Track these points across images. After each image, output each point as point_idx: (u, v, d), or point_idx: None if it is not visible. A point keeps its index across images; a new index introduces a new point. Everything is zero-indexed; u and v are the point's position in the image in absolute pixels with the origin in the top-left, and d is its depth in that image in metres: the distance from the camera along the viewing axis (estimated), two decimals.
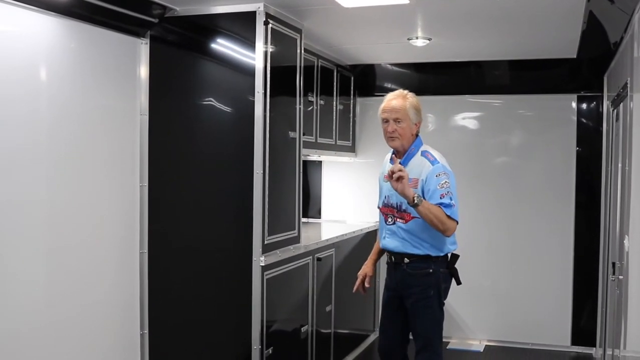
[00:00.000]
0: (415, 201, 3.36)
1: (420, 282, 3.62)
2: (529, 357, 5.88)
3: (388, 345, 3.84)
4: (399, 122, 3.55)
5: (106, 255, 3.66)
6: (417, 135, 3.66)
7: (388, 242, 3.68)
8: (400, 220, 3.60)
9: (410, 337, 3.81)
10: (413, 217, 3.54)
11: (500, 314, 6.19)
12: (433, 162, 3.54)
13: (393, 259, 3.68)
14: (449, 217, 3.44)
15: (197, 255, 3.97)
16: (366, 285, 3.88)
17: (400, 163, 3.50)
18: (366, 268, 3.90)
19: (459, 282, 3.77)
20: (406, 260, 3.61)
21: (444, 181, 3.47)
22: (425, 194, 3.48)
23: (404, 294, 3.68)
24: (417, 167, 3.54)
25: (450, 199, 3.46)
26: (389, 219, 3.65)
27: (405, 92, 3.67)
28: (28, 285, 3.07)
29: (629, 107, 3.63)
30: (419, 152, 3.60)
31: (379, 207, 3.79)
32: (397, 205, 3.61)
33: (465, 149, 6.27)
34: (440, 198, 3.44)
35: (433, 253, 3.60)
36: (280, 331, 4.17)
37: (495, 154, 6.22)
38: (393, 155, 3.68)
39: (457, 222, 3.51)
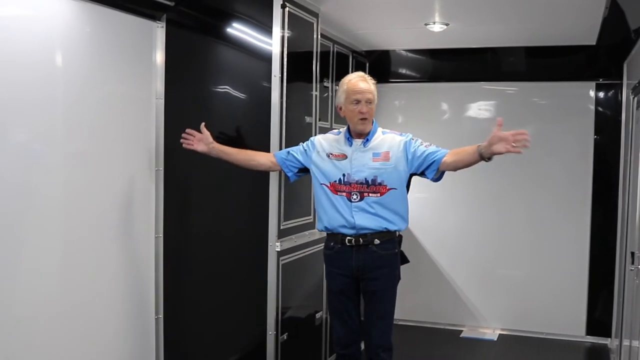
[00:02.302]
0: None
1: (389, 262, 3.66)
2: (543, 346, 5.85)
3: (349, 335, 3.76)
4: (369, 103, 3.63)
5: (121, 239, 3.64)
6: None
7: (359, 219, 3.60)
8: (374, 195, 3.60)
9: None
10: (390, 189, 3.59)
11: (515, 303, 6.16)
12: (401, 134, 3.71)
13: (361, 240, 3.61)
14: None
15: (213, 240, 3.95)
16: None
17: (365, 140, 3.65)
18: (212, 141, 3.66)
19: (407, 261, 3.80)
20: (376, 241, 3.61)
21: (420, 141, 3.66)
22: (410, 156, 3.61)
23: (368, 276, 3.64)
24: (385, 143, 3.66)
25: (435, 146, 3.64)
26: (354, 196, 3.61)
27: (363, 73, 3.73)
28: (42, 269, 3.06)
29: None
30: (379, 131, 3.72)
31: (324, 184, 3.69)
32: (367, 180, 3.60)
33: (480, 137, 6.15)
34: (426, 147, 3.61)
35: (403, 226, 3.69)
36: (295, 317, 4.16)
37: None
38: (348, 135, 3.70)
39: None
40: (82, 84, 3.26)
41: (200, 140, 3.64)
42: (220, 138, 3.92)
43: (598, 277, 5.87)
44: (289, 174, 3.80)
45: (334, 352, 3.87)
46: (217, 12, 3.93)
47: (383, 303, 3.68)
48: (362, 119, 3.61)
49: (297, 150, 3.78)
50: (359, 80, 3.64)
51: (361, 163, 3.62)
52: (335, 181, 3.65)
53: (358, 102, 3.60)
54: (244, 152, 3.78)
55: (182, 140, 3.64)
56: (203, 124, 3.61)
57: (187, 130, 3.62)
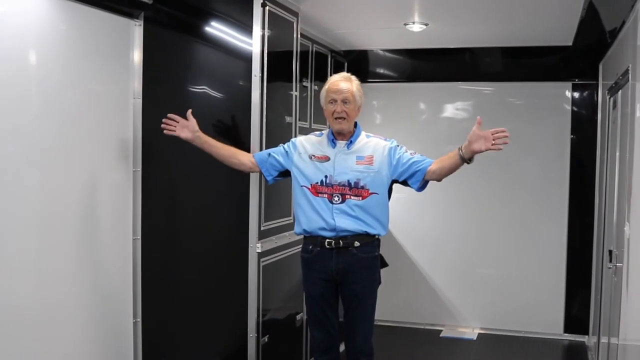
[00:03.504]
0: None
1: (369, 265, 3.64)
2: (522, 345, 5.89)
3: (328, 340, 3.72)
4: (346, 103, 3.59)
5: (98, 241, 3.58)
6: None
7: (340, 221, 3.57)
8: (356, 198, 3.57)
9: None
10: (371, 193, 3.57)
11: (493, 302, 6.19)
12: (386, 139, 3.70)
13: (341, 243, 3.58)
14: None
15: (192, 242, 3.90)
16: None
17: (349, 142, 3.62)
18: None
19: (386, 264, 3.78)
20: (357, 243, 3.58)
21: (404, 148, 3.66)
22: (394, 162, 3.60)
23: (348, 279, 3.61)
24: (369, 147, 3.64)
25: (420, 155, 3.64)
26: (335, 198, 3.58)
27: (349, 74, 3.70)
28: (16, 272, 2.99)
29: (629, 94, 3.60)
30: (363, 134, 3.70)
31: (305, 186, 3.64)
32: (350, 183, 3.59)
33: (458, 137, 6.18)
34: (412, 155, 3.61)
35: (382, 232, 3.66)
36: (276, 319, 4.13)
37: None
38: (332, 137, 3.66)
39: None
40: (57, 83, 3.20)
41: (185, 127, 3.50)
42: None
43: (575, 276, 5.92)
44: (268, 177, 3.73)
45: (313, 357, 3.85)
46: (197, 10, 3.88)
47: (364, 307, 3.64)
48: (337, 118, 3.59)
49: (277, 152, 3.73)
50: (339, 80, 3.62)
51: (344, 165, 3.60)
52: (317, 183, 3.61)
53: (334, 101, 3.58)
54: (228, 147, 3.69)
55: (163, 126, 3.48)
56: (190, 110, 3.47)
57: (169, 115, 3.46)
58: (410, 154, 3.62)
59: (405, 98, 6.44)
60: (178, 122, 3.49)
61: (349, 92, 3.58)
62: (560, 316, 5.98)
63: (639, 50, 3.32)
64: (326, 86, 3.64)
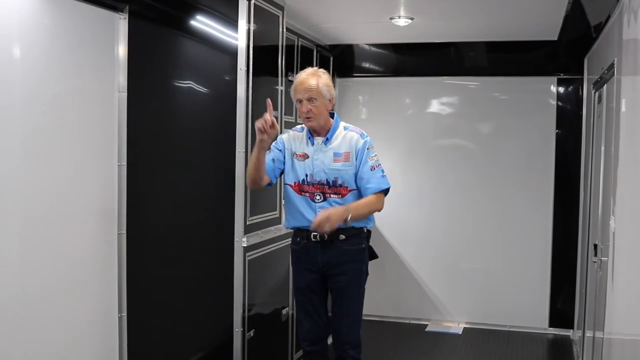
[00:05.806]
0: (349, 218, 3.46)
1: (355, 257, 3.63)
2: (507, 339, 5.92)
3: (316, 331, 3.73)
4: (313, 101, 3.52)
5: (83, 236, 3.56)
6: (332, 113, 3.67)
7: None
8: (335, 196, 3.58)
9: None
10: (350, 190, 3.58)
11: (479, 297, 6.22)
12: (362, 135, 3.63)
13: (326, 236, 3.57)
14: (378, 194, 3.57)
15: (178, 236, 3.89)
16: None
17: (325, 139, 3.59)
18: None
19: (376, 256, 3.78)
20: (342, 236, 3.57)
21: (373, 154, 3.61)
22: (359, 163, 3.57)
23: (335, 272, 3.62)
24: (346, 142, 3.60)
25: (382, 171, 3.60)
26: (317, 197, 3.59)
27: (316, 69, 3.62)
28: (0, 268, 2.97)
29: (615, 88, 3.62)
30: (341, 127, 3.65)
31: (288, 184, 3.65)
32: (328, 182, 3.58)
33: (443, 131, 6.26)
34: (371, 170, 3.56)
35: (368, 225, 3.66)
36: (262, 314, 4.12)
37: (474, 136, 6.21)
38: (308, 133, 3.64)
39: (389, 187, 3.63)
40: (41, 77, 3.17)
41: (271, 137, 3.45)
42: (184, 132, 3.86)
43: (560, 270, 5.95)
44: (274, 180, 3.70)
45: (301, 348, 3.84)
46: (182, 4, 3.86)
47: (350, 299, 3.65)
48: (306, 118, 3.55)
49: (275, 153, 3.67)
50: (305, 78, 3.55)
51: (322, 163, 3.59)
52: (299, 181, 3.62)
53: (300, 101, 3.54)
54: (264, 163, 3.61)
55: (261, 120, 3.37)
56: (277, 125, 3.44)
57: (272, 118, 3.36)
58: (372, 167, 3.58)
59: (390, 93, 6.44)
60: (271, 127, 3.39)
61: (314, 89, 3.51)
62: (546, 310, 6.02)
63: (624, 44, 3.33)
64: (293, 84, 3.59)
